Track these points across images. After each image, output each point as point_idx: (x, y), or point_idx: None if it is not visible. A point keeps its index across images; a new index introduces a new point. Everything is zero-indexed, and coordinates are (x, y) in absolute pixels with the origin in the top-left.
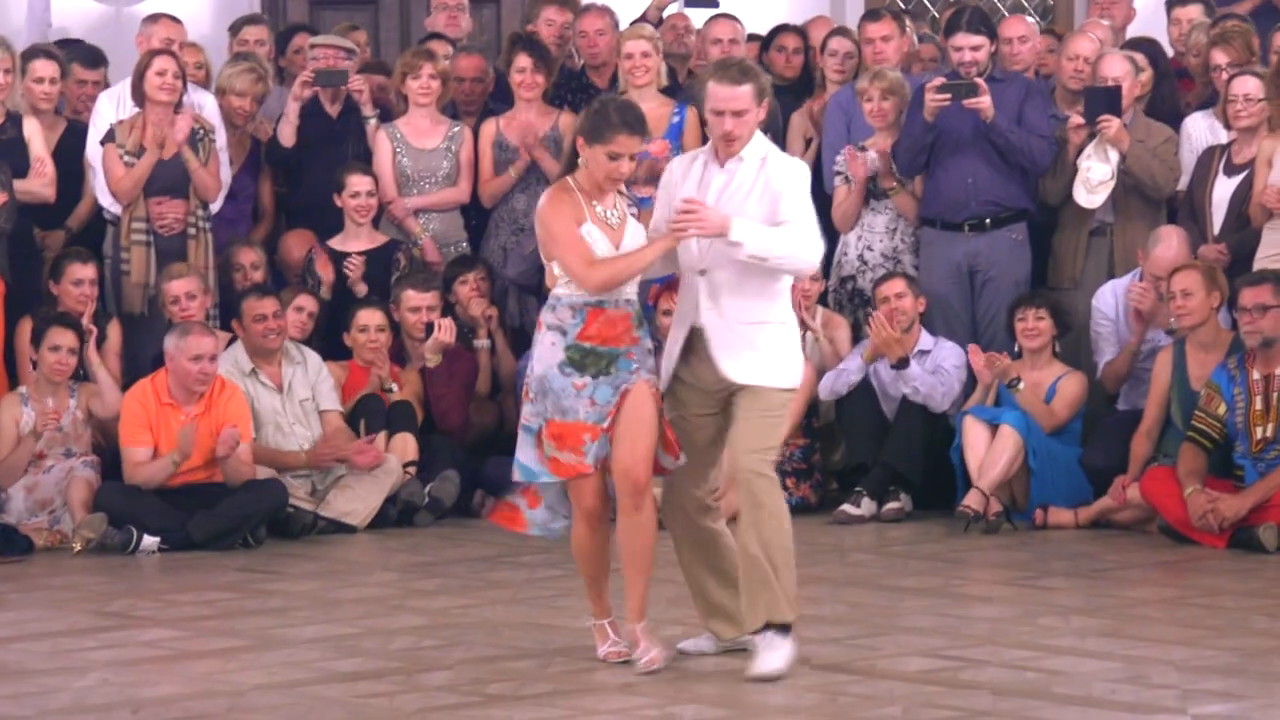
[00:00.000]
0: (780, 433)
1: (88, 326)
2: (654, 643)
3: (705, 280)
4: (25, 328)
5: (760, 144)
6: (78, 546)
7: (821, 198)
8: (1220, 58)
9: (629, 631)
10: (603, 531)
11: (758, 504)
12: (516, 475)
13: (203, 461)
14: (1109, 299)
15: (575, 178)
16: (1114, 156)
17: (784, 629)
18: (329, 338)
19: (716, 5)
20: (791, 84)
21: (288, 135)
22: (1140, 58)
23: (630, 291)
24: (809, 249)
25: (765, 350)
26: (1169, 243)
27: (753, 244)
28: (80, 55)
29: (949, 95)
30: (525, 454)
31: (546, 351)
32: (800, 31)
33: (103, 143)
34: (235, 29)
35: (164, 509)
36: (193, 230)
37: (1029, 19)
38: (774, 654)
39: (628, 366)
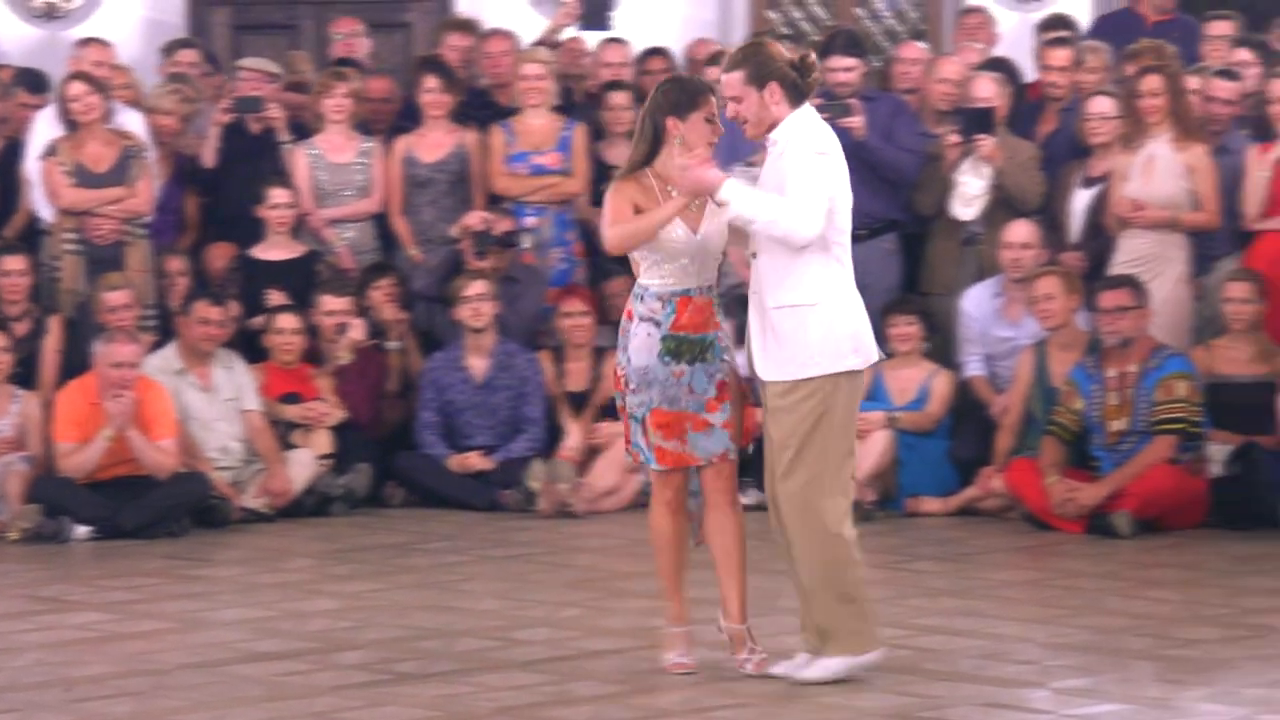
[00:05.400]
0: (797, 429)
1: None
2: (759, 646)
3: (755, 264)
4: None
5: (788, 129)
6: (13, 536)
7: None
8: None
9: (733, 631)
10: (681, 521)
11: (794, 530)
12: (636, 457)
13: (130, 455)
14: (974, 301)
15: (654, 166)
16: (987, 172)
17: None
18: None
19: (609, 28)
20: None
21: (209, 157)
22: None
23: (712, 279)
24: (798, 218)
25: (785, 337)
26: (1017, 228)
27: (739, 205)
28: (25, 80)
29: (826, 115)
30: (638, 438)
31: (644, 343)
32: (666, 53)
33: (43, 157)
34: (169, 50)
35: (95, 500)
36: (128, 238)
37: (920, 44)
38: (820, 667)
39: (720, 354)
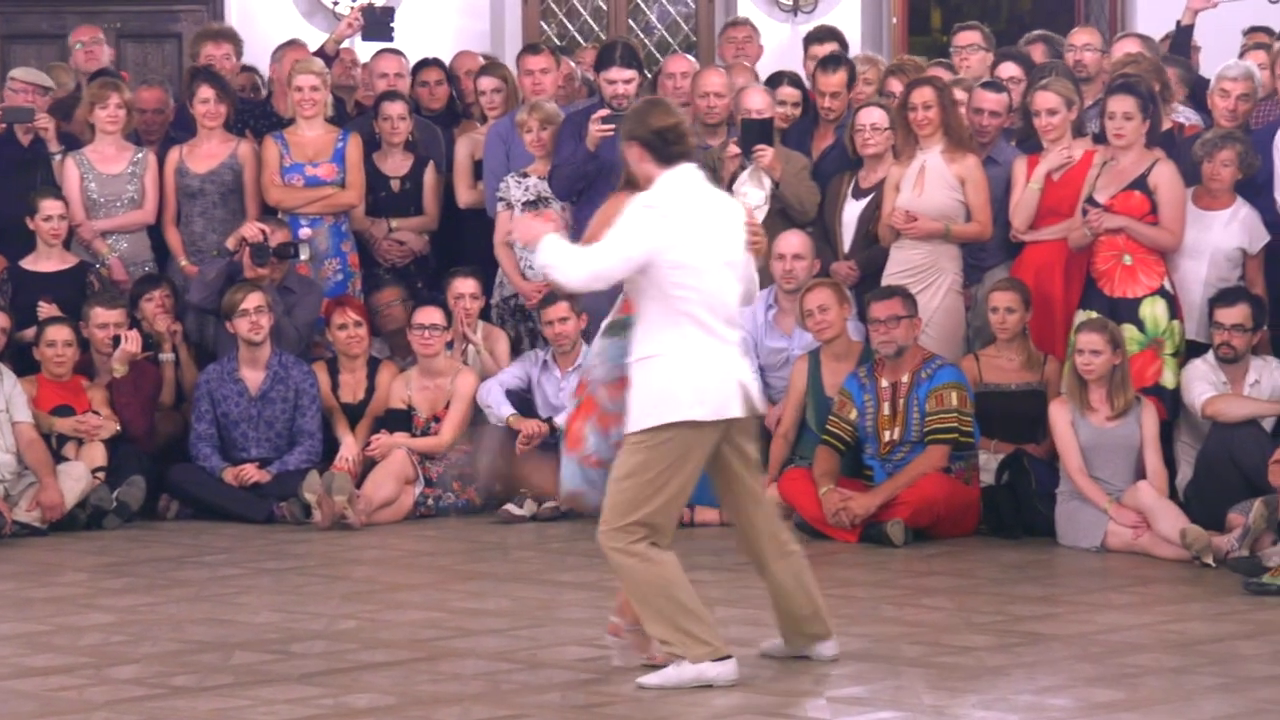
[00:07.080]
0: (635, 487)
1: None
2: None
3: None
4: None
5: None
6: None
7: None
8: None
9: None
10: None
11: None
12: None
13: None
14: (747, 312)
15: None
16: (767, 183)
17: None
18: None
19: (391, 40)
20: (439, 114)
21: None
22: (793, 92)
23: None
24: (573, 265)
25: (635, 389)
26: (789, 238)
27: (541, 257)
28: None
29: (614, 125)
30: None
31: None
32: (441, 65)
33: None
34: None
35: None
36: None
37: (689, 57)
38: (673, 673)
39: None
